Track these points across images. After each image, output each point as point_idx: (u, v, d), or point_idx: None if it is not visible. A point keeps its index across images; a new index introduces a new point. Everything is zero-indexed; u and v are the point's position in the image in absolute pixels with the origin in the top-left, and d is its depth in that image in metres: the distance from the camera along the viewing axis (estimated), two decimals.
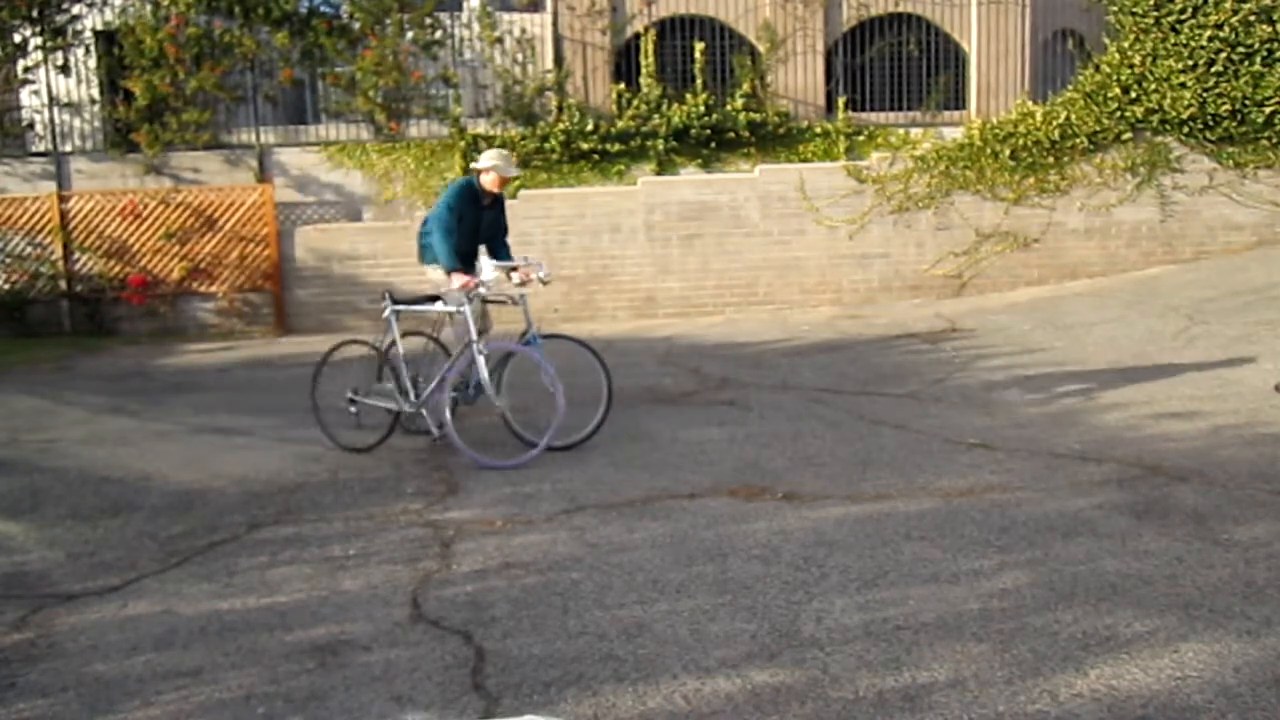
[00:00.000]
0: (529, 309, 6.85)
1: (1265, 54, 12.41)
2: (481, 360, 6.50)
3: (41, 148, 13.92)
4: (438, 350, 7.03)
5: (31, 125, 14.09)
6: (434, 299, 7.01)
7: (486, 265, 6.81)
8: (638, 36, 14.54)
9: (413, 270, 12.85)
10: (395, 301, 6.96)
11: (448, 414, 6.44)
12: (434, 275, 7.23)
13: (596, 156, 13.63)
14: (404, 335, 6.93)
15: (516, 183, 13.45)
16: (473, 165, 7.31)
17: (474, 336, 6.53)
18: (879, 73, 15.21)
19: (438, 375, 6.68)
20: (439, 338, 7.07)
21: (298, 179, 13.64)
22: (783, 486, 5.78)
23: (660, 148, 13.75)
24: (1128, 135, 12.66)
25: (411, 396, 6.73)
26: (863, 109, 14.85)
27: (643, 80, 14.13)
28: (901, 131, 14.17)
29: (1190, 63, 12.48)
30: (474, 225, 7.15)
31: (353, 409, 7.00)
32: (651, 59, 14.15)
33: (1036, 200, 12.77)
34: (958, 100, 15.30)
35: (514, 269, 6.99)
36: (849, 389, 8.39)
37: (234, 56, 13.53)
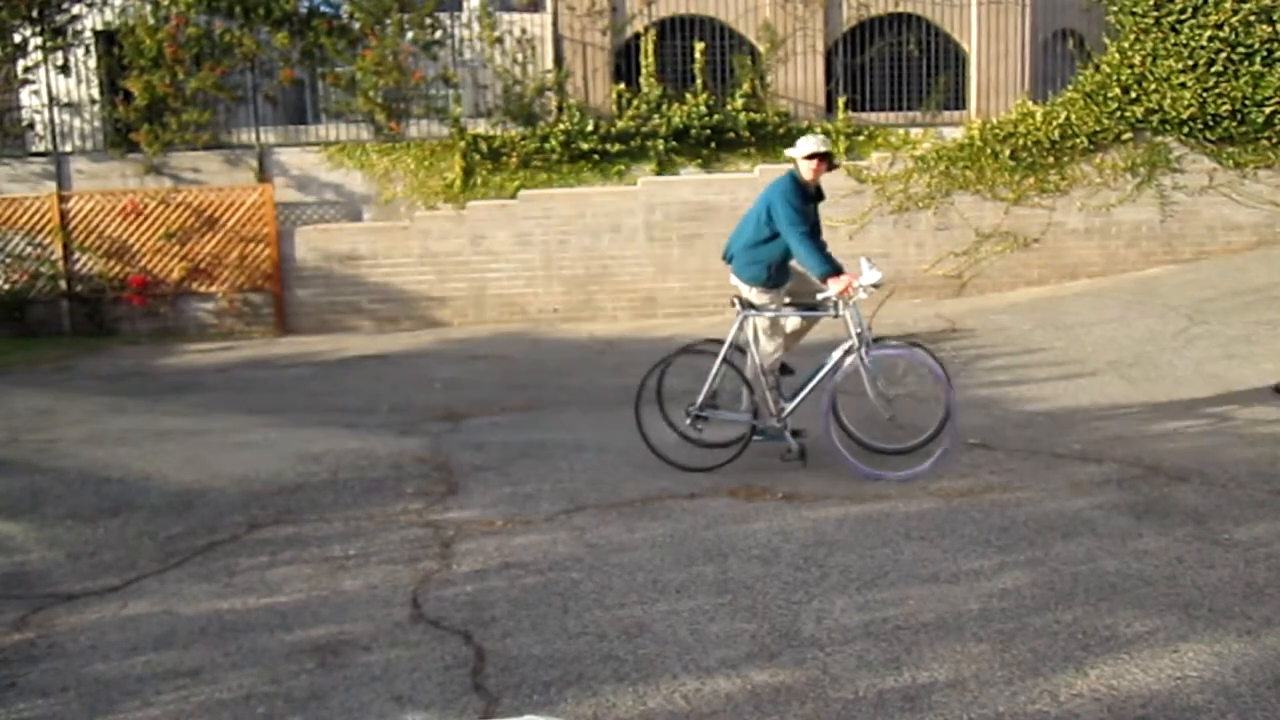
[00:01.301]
0: (859, 313, 5.99)
1: (1265, 54, 12.40)
2: (865, 371, 5.95)
3: (41, 148, 13.92)
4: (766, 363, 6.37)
5: (31, 125, 14.09)
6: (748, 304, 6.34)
7: (866, 269, 5.93)
8: (638, 36, 14.53)
9: (412, 270, 12.95)
10: (744, 305, 6.33)
11: (831, 426, 5.98)
12: (756, 298, 6.40)
13: (596, 156, 13.62)
14: (691, 350, 6.40)
15: (516, 183, 13.47)
16: (789, 153, 6.47)
17: (856, 342, 5.95)
18: (879, 73, 15.20)
19: (803, 387, 6.17)
20: (747, 346, 6.36)
21: (298, 179, 13.63)
22: (783, 486, 5.78)
23: (660, 148, 13.74)
24: (1128, 135, 12.65)
25: (771, 408, 6.21)
26: (863, 109, 14.84)
27: (643, 80, 14.12)
28: (901, 131, 14.16)
29: (1190, 63, 12.48)
30: (805, 220, 6.31)
31: (695, 424, 6.29)
32: (651, 59, 14.15)
33: (1036, 200, 12.77)
34: (958, 100, 15.29)
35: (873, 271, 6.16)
36: (849, 389, 8.37)
37: (234, 56, 13.53)
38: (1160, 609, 4.06)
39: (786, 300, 6.49)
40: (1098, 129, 12.65)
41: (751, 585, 4.41)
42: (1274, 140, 12.64)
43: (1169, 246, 12.90)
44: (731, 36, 14.87)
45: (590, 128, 13.57)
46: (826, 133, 14.03)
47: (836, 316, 6.06)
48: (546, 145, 13.50)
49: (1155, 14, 12.55)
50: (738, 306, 6.29)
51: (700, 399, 6.25)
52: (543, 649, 3.88)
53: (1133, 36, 12.64)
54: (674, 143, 13.77)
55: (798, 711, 3.39)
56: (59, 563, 5.02)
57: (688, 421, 6.29)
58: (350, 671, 3.77)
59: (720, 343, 6.25)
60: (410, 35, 13.72)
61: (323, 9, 13.97)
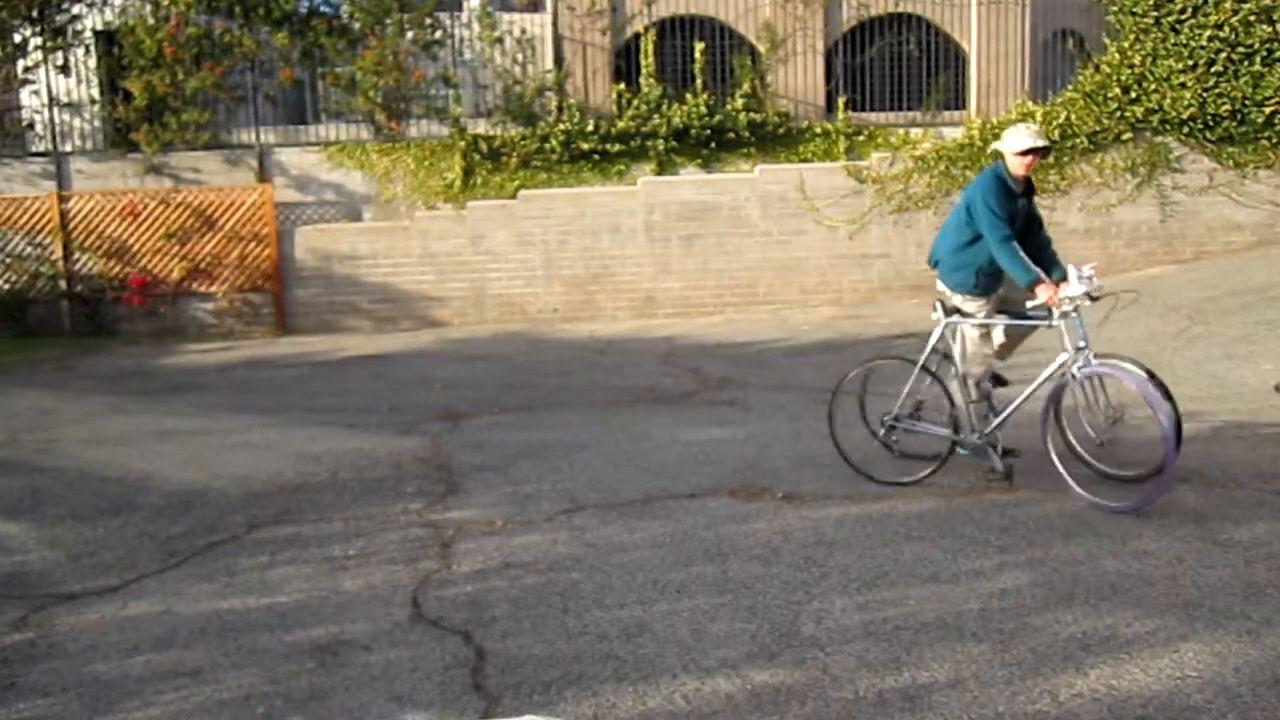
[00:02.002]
0: (1082, 325, 5.40)
1: (1265, 54, 12.40)
2: (1075, 388, 5.41)
3: (41, 148, 13.91)
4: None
5: (31, 125, 14.08)
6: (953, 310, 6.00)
7: (1073, 277, 5.34)
8: (638, 36, 14.53)
9: (412, 270, 12.95)
10: (948, 312, 5.94)
11: (1050, 442, 5.43)
12: (964, 305, 6.00)
13: (596, 156, 13.62)
14: (882, 359, 6.21)
15: (516, 183, 13.47)
16: (994, 147, 5.95)
17: (1070, 357, 5.38)
18: (879, 73, 15.19)
19: (1011, 402, 5.70)
20: (949, 355, 5.98)
21: (298, 179, 13.63)
22: (783, 486, 5.78)
23: (660, 148, 13.74)
24: (1128, 135, 12.65)
25: (974, 422, 5.76)
26: (863, 109, 14.84)
27: (643, 80, 14.12)
28: (901, 131, 14.16)
29: (1190, 63, 12.48)
30: (1011, 221, 5.76)
31: (892, 436, 6.00)
32: (651, 59, 14.15)
33: (1036, 200, 12.75)
34: (958, 100, 15.29)
35: (1061, 280, 5.52)
36: (849, 389, 8.37)
37: (234, 56, 13.53)
38: (1160, 609, 4.05)
39: (993, 308, 5.94)
40: (1098, 129, 12.65)
41: (751, 585, 4.41)
42: (1274, 140, 12.64)
43: (1169, 246, 12.89)
44: (731, 36, 14.86)
45: (590, 128, 13.57)
46: (826, 133, 14.04)
47: (1050, 326, 5.50)
48: (546, 145, 13.50)
49: (1155, 14, 12.55)
50: (938, 312, 5.91)
51: (897, 409, 5.94)
52: (543, 649, 3.88)
53: (1133, 36, 12.64)
54: (674, 143, 13.77)
55: (798, 711, 3.39)
56: (59, 563, 5.02)
57: (881, 432, 6.02)
58: (350, 671, 3.77)
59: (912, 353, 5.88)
60: (410, 35, 13.72)
61: (323, 9, 13.97)
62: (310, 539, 5.20)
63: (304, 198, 13.62)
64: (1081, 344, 5.35)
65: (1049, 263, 5.79)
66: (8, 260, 12.71)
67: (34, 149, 13.99)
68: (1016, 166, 5.71)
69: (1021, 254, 5.57)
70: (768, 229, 12.79)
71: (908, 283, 12.84)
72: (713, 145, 13.86)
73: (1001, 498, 5.43)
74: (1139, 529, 4.92)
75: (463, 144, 13.42)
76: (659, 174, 13.60)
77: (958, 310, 5.95)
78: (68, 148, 13.79)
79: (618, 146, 13.66)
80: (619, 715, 3.42)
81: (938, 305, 5.95)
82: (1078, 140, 12.66)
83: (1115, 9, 12.98)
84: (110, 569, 4.90)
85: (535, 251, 12.82)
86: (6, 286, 12.69)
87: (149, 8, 13.45)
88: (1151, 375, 5.33)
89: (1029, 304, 5.56)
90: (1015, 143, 5.65)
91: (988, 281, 5.87)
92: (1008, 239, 5.57)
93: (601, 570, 4.64)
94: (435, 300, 12.86)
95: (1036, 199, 6.07)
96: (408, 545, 5.06)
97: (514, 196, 13.10)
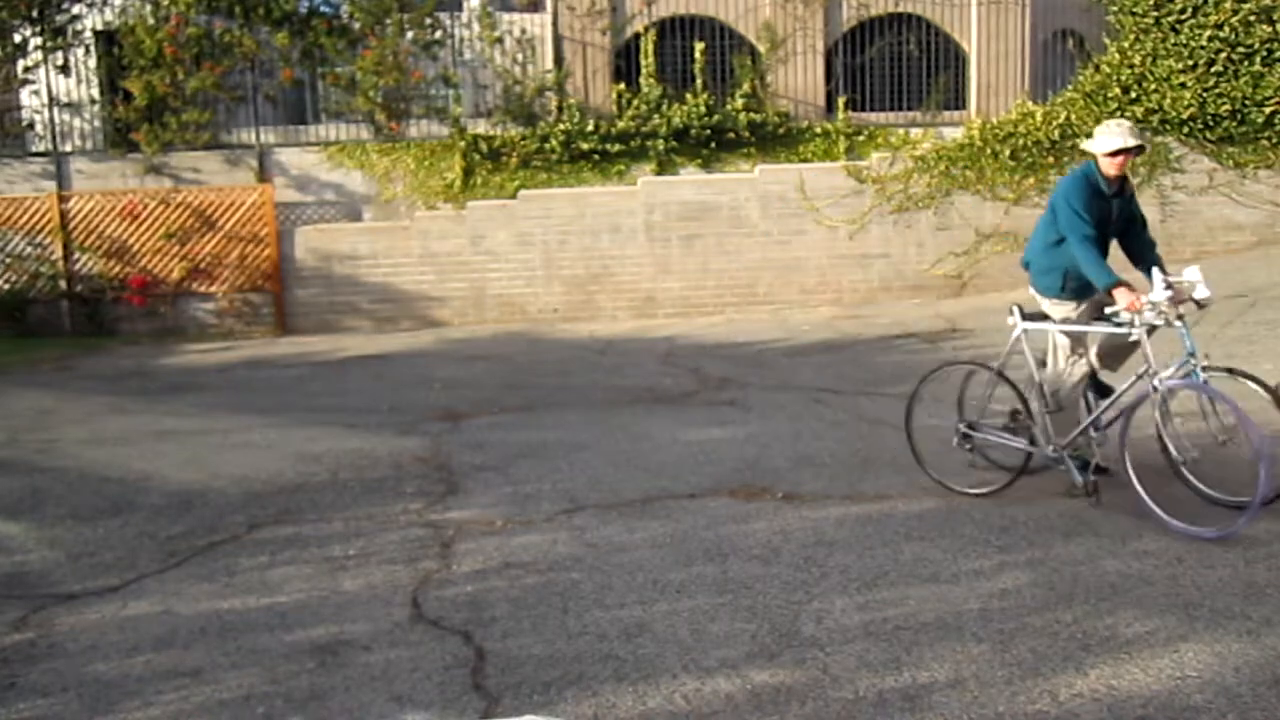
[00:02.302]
0: (1187, 334, 5.02)
1: (1265, 54, 12.40)
2: (1155, 404, 5.06)
3: (41, 148, 13.92)
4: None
5: (31, 125, 14.08)
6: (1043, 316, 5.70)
7: (1158, 282, 5.02)
8: (638, 36, 14.53)
9: (412, 270, 12.95)
10: (1026, 317, 5.64)
11: (1128, 461, 5.03)
12: (1053, 311, 5.69)
13: (597, 156, 13.62)
14: (959, 365, 5.96)
15: (516, 183, 13.46)
16: (1083, 146, 5.58)
17: (1153, 367, 5.05)
18: (879, 73, 15.19)
19: (1093, 413, 5.40)
20: (1040, 365, 5.65)
21: (298, 179, 13.63)
22: (783, 486, 5.78)
23: (660, 148, 13.74)
24: None
25: (1051, 434, 5.44)
26: (863, 109, 14.84)
27: (643, 80, 14.12)
28: (901, 131, 14.16)
29: (1190, 63, 12.48)
30: (1100, 223, 5.46)
31: (967, 444, 5.74)
32: (651, 59, 14.15)
33: (1037, 200, 12.75)
34: (958, 100, 15.29)
35: (1167, 286, 5.06)
36: (849, 389, 8.39)
37: (234, 56, 13.53)
38: (1160, 609, 4.05)
39: (1089, 314, 5.57)
40: None
41: (751, 585, 4.41)
42: (1274, 140, 12.64)
43: (1169, 246, 12.84)
44: (731, 36, 14.86)
45: (590, 128, 13.57)
46: (826, 133, 14.04)
47: (1131, 335, 5.19)
48: (546, 145, 13.50)
49: (1155, 14, 12.55)
50: (1014, 317, 5.61)
51: (972, 416, 5.74)
52: (543, 649, 3.88)
53: (1133, 36, 12.65)
54: (674, 143, 13.77)
55: (798, 711, 3.39)
56: (59, 563, 5.02)
57: (954, 441, 5.76)
58: (350, 671, 3.77)
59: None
60: (410, 35, 13.72)
61: (323, 9, 13.97)
62: (310, 539, 5.20)
63: (304, 198, 13.62)
64: (1190, 356, 4.96)
65: (1153, 266, 5.30)
66: (8, 260, 12.71)
67: (34, 149, 13.99)
68: (1107, 166, 5.41)
69: (1101, 256, 5.27)
70: (768, 229, 12.79)
71: (908, 283, 12.84)
72: (713, 145, 13.86)
73: (1001, 498, 5.42)
74: (1139, 529, 4.92)
75: (463, 144, 13.42)
76: (659, 174, 13.60)
77: (1045, 316, 5.65)
78: (68, 148, 13.79)
79: (618, 146, 13.66)
80: (619, 715, 3.42)
81: (1014, 310, 5.67)
82: (1078, 140, 12.65)
83: (1115, 9, 12.98)
84: (110, 569, 4.90)
85: (535, 251, 12.82)
86: (6, 286, 12.69)
87: (149, 8, 13.45)
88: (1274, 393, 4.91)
89: (1107, 309, 5.31)
90: (1105, 143, 5.35)
91: (1076, 285, 5.54)
92: (1088, 238, 5.30)
93: (601, 570, 4.64)
94: (435, 300, 12.86)
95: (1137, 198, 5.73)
96: (408, 545, 5.06)
97: (514, 196, 13.10)
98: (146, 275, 12.73)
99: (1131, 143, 5.31)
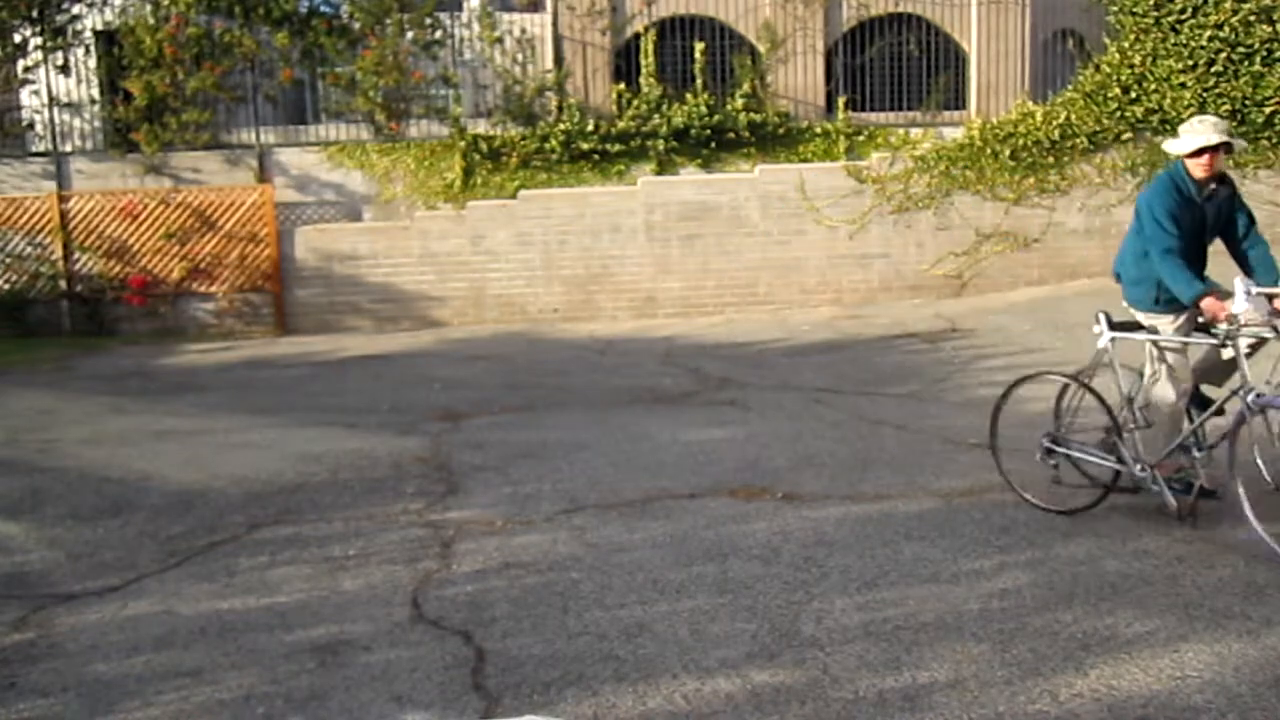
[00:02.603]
0: None
1: (1265, 54, 12.39)
2: (1246, 424, 4.69)
3: (41, 148, 13.91)
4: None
5: (31, 125, 14.08)
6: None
7: (1239, 291, 4.65)
8: (638, 36, 14.53)
9: (412, 270, 12.94)
10: (1114, 326, 5.28)
11: (1241, 494, 4.61)
12: (1148, 323, 5.27)
13: (596, 156, 13.62)
14: (1042, 375, 5.59)
15: (516, 183, 13.46)
16: (1167, 147, 5.13)
17: (1249, 383, 4.69)
18: (879, 73, 15.19)
19: (1183, 432, 5.06)
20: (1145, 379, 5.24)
21: (298, 179, 13.63)
22: (783, 486, 5.78)
23: (660, 148, 13.74)
24: (1128, 135, 12.65)
25: (1139, 451, 5.11)
26: (863, 109, 14.83)
27: (643, 80, 14.11)
28: (901, 131, 14.15)
29: (1190, 63, 12.47)
30: (1191, 230, 5.05)
31: (1051, 460, 5.36)
32: (651, 59, 14.14)
33: (1036, 200, 12.77)
34: (958, 100, 15.29)
35: (1274, 295, 4.72)
36: (849, 389, 8.39)
37: (234, 56, 13.52)
38: (1160, 609, 4.05)
39: (1189, 325, 5.15)
40: (1098, 129, 12.65)
41: (751, 585, 4.41)
42: (1274, 140, 12.64)
43: None
44: (731, 36, 14.86)
45: (590, 128, 13.56)
46: (826, 133, 14.03)
47: (1223, 349, 4.87)
48: (546, 145, 13.50)
49: (1155, 14, 12.54)
50: (1100, 325, 5.27)
51: (1057, 430, 5.41)
52: (543, 649, 3.88)
53: (1133, 36, 12.64)
54: (674, 143, 13.76)
55: (798, 711, 3.39)
56: (59, 563, 5.02)
57: (1038, 455, 5.40)
58: (350, 671, 3.77)
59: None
60: (410, 35, 13.72)
61: (323, 9, 13.97)
62: (310, 539, 5.20)
63: (304, 198, 13.62)
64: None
65: (1264, 270, 4.99)
66: (8, 260, 12.71)
67: (34, 149, 13.99)
68: (1195, 168, 5.00)
69: (1184, 267, 4.88)
70: (768, 229, 12.79)
71: (908, 283, 12.84)
72: (713, 145, 13.85)
73: (1001, 498, 5.42)
74: (1139, 529, 4.92)
75: (463, 144, 13.41)
76: (659, 174, 13.60)
77: (1137, 325, 5.29)
78: (68, 148, 13.79)
79: (618, 146, 13.66)
80: (619, 715, 3.42)
81: (1100, 318, 5.30)
82: (1078, 140, 12.66)
83: (1115, 9, 12.98)
84: (110, 569, 4.90)
85: (535, 251, 12.82)
86: (6, 286, 12.69)
87: (149, 8, 13.44)
88: None
89: (1199, 320, 4.96)
90: (1186, 143, 4.95)
91: (1170, 296, 5.07)
92: (1169, 251, 4.91)
93: (601, 570, 4.64)
94: (435, 300, 12.86)
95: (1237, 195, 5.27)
96: (408, 545, 5.06)
97: (514, 196, 13.09)
98: (146, 275, 12.73)
99: (1215, 139, 4.89)
